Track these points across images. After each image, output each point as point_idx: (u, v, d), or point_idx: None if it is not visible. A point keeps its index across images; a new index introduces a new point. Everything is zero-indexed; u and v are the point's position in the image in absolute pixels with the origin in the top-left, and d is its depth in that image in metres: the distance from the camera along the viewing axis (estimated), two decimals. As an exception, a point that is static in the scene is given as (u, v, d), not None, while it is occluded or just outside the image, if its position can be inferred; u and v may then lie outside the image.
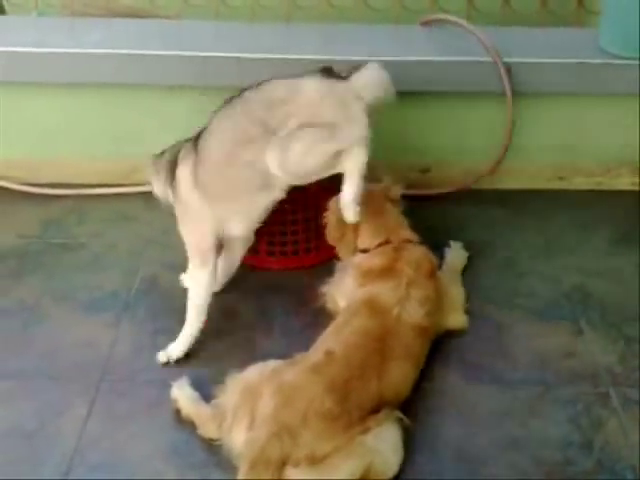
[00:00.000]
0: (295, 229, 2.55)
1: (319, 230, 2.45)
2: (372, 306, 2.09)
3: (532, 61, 2.81)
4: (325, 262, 2.51)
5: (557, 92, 2.87)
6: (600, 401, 2.10)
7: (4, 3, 3.53)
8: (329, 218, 2.35)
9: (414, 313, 2.09)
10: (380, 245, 2.26)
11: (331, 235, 2.36)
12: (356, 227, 2.30)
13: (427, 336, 2.14)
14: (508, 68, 2.73)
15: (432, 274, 2.24)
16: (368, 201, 2.28)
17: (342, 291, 2.31)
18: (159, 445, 1.95)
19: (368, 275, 2.21)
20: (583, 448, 1.97)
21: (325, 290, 2.38)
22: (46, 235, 2.71)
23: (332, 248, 2.43)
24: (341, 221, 2.25)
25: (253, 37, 2.97)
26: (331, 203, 2.35)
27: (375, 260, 2.23)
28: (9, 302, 2.41)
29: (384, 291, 2.12)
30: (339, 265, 2.45)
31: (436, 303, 2.19)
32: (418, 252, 2.25)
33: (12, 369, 2.16)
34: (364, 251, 2.31)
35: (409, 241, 2.28)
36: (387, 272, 2.18)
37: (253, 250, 2.52)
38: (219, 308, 2.40)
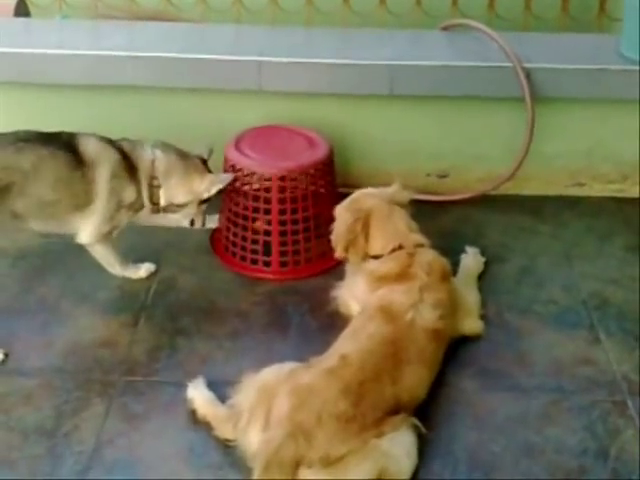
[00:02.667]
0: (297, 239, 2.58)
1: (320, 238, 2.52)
2: (386, 311, 2.10)
3: (552, 67, 2.80)
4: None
5: (577, 98, 2.86)
6: (616, 409, 2.09)
7: (29, 6, 3.58)
8: (337, 226, 2.35)
9: (428, 317, 2.09)
10: (393, 251, 2.26)
11: (340, 243, 2.33)
12: (366, 233, 2.29)
13: (442, 339, 2.14)
14: (528, 73, 2.73)
15: (445, 277, 2.24)
16: (377, 206, 2.30)
17: (355, 295, 2.32)
18: (175, 445, 1.97)
19: (382, 281, 2.22)
20: (599, 456, 1.96)
21: (336, 294, 2.40)
22: (67, 236, 2.74)
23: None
24: (351, 228, 2.27)
25: (274, 41, 2.99)
26: (338, 210, 2.36)
27: (389, 265, 2.23)
28: (30, 301, 2.44)
29: (398, 296, 2.13)
30: (348, 268, 2.47)
31: (450, 306, 2.19)
32: (430, 256, 2.25)
33: (32, 367, 2.19)
34: (376, 257, 2.29)
35: (421, 245, 2.28)
36: (401, 277, 2.19)
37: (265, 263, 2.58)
38: (235, 310, 2.42)
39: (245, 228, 2.59)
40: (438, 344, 2.12)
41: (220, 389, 2.04)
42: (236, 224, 2.61)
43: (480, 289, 2.46)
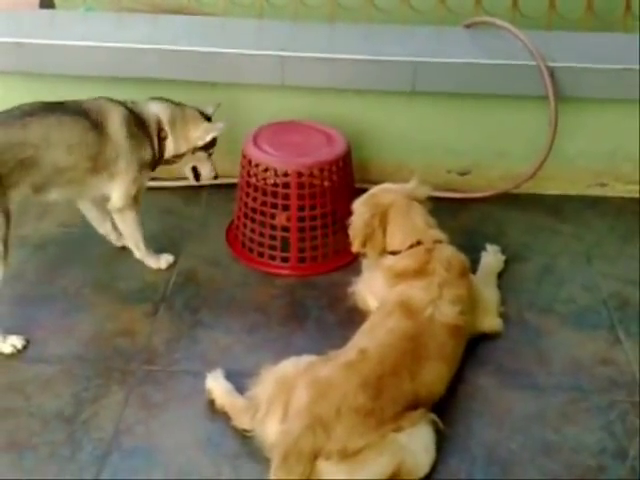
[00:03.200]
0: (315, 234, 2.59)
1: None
2: (406, 307, 2.09)
3: (576, 66, 2.78)
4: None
5: (600, 98, 2.84)
6: (635, 410, 2.08)
7: (54, -2, 3.61)
8: (354, 221, 2.34)
9: (447, 312, 2.09)
10: (412, 247, 2.25)
11: (357, 237, 2.32)
12: (384, 228, 2.29)
13: (461, 335, 2.13)
14: (552, 72, 2.72)
15: (464, 273, 2.23)
16: (396, 202, 2.29)
17: (373, 291, 2.32)
18: (193, 434, 1.99)
19: (401, 276, 2.21)
20: (616, 456, 1.95)
21: (354, 289, 2.40)
22: (88, 225, 2.76)
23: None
24: (368, 222, 2.27)
25: (296, 36, 3.00)
26: (355, 205, 2.35)
27: (407, 261, 2.23)
28: (52, 289, 2.47)
29: (417, 292, 2.13)
30: (365, 263, 2.47)
31: (469, 302, 2.19)
32: (449, 252, 2.24)
33: (53, 355, 2.22)
34: (394, 253, 2.29)
35: (439, 241, 2.27)
36: (420, 273, 2.18)
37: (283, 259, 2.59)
38: (254, 304, 2.43)
39: (263, 224, 2.60)
40: (457, 340, 2.11)
41: (238, 380, 2.05)
42: (253, 220, 2.62)
43: (500, 287, 2.45)
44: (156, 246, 2.65)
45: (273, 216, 2.59)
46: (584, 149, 2.95)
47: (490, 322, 2.30)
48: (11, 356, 2.20)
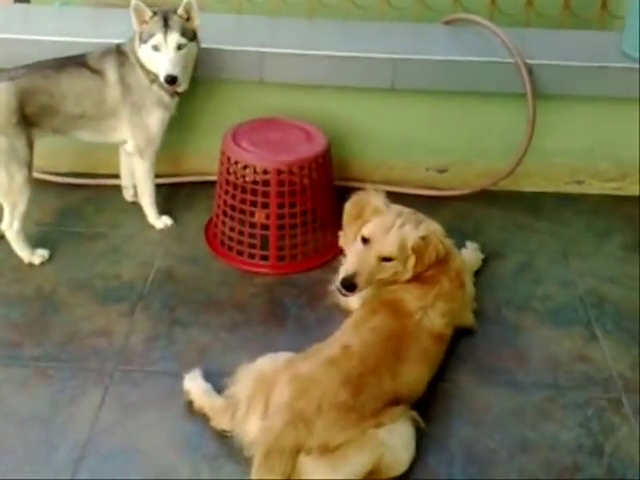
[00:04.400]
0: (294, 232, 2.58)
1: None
2: (394, 307, 2.10)
3: (554, 63, 2.79)
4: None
5: (578, 95, 2.85)
6: (612, 407, 2.10)
7: (28, -8, 3.55)
8: (345, 219, 2.32)
9: (435, 322, 2.10)
10: None
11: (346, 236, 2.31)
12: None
13: (444, 342, 2.15)
14: (530, 69, 2.73)
15: (462, 284, 2.23)
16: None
17: None
18: (171, 436, 1.97)
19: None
20: (593, 453, 1.97)
21: (334, 287, 2.38)
22: (64, 224, 2.74)
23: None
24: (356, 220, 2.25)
25: (275, 32, 2.98)
26: (347, 205, 2.33)
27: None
28: (27, 289, 2.43)
29: (410, 297, 2.12)
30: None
31: (459, 314, 2.20)
32: (458, 264, 2.22)
33: (28, 355, 2.19)
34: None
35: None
36: (423, 279, 2.16)
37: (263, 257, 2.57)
38: (233, 302, 2.42)
39: (242, 222, 2.58)
40: (440, 347, 2.13)
41: (217, 380, 2.04)
42: (232, 218, 2.60)
43: (478, 285, 2.46)
44: (131, 245, 2.63)
45: (252, 214, 2.57)
46: (561, 146, 2.97)
47: (465, 317, 2.30)
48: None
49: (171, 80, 2.43)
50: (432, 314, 2.10)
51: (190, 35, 2.47)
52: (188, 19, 2.48)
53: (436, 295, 2.13)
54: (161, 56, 2.44)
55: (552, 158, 2.98)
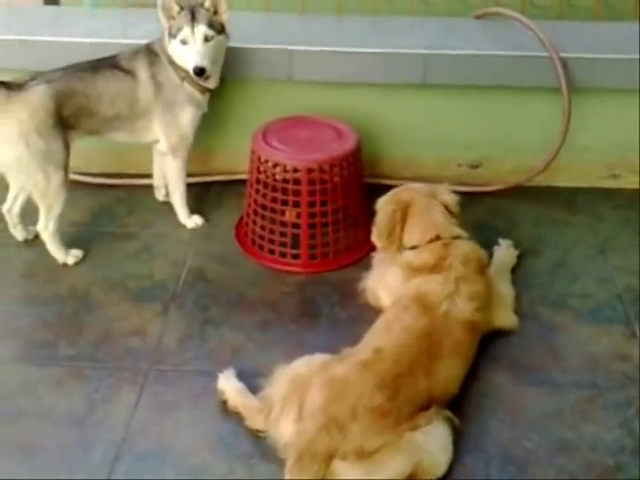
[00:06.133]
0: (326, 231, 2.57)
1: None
2: (422, 302, 2.07)
3: (588, 56, 2.74)
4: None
5: (613, 88, 2.80)
6: (652, 406, 2.06)
7: (59, -7, 3.58)
8: (378, 217, 2.33)
9: (464, 308, 2.07)
10: (431, 241, 2.23)
11: (381, 233, 2.31)
12: (403, 223, 2.28)
13: (476, 332, 2.11)
14: (565, 63, 2.68)
15: (481, 269, 2.21)
16: (416, 199, 2.28)
17: (386, 287, 2.30)
18: (205, 435, 1.97)
19: (419, 271, 2.19)
20: (635, 454, 1.93)
21: (365, 285, 2.38)
22: (97, 224, 2.75)
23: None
24: (391, 217, 2.26)
25: (304, 29, 2.96)
26: (379, 203, 2.34)
27: (425, 256, 2.21)
28: (61, 289, 2.45)
29: (433, 286, 2.11)
30: (376, 259, 2.46)
31: (486, 298, 2.16)
32: (467, 247, 2.22)
33: (63, 355, 2.20)
34: (413, 248, 2.27)
35: (458, 237, 2.25)
36: (437, 268, 2.16)
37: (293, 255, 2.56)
38: (265, 301, 2.41)
39: (273, 221, 2.57)
40: (472, 337, 2.09)
41: (250, 379, 2.03)
42: (263, 216, 2.59)
43: (514, 282, 2.42)
44: (163, 244, 2.63)
45: (283, 212, 2.56)
46: (597, 140, 2.91)
47: (505, 318, 2.28)
48: (21, 357, 2.19)
49: (199, 72, 2.43)
50: (459, 300, 2.07)
51: (218, 28, 2.47)
52: (216, 12, 2.48)
53: (456, 279, 2.11)
54: (189, 49, 2.45)
55: (587, 152, 2.93)
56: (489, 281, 2.23)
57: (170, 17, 2.47)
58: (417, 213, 2.27)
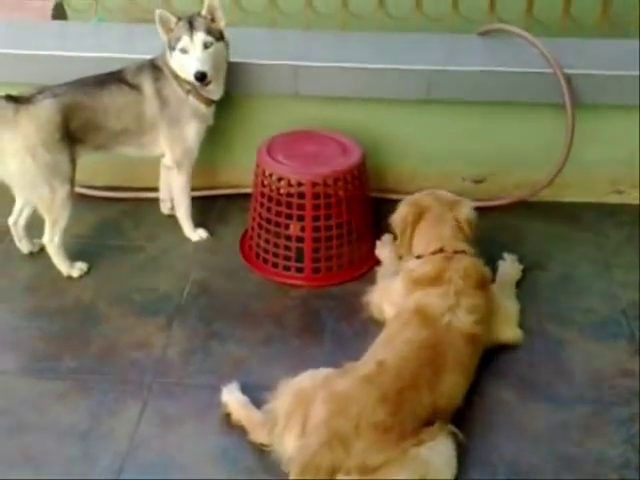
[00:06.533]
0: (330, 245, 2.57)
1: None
2: (422, 315, 2.07)
3: (593, 72, 2.75)
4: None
5: (617, 105, 2.80)
6: (658, 423, 2.04)
7: (66, 9, 3.61)
8: (394, 217, 2.37)
9: (464, 320, 2.07)
10: (434, 253, 2.24)
11: (394, 230, 2.37)
12: (414, 228, 2.30)
13: (478, 345, 2.10)
14: (568, 79, 2.69)
15: (481, 284, 2.20)
16: (431, 207, 2.30)
17: (390, 299, 2.30)
18: (209, 449, 1.96)
19: (418, 283, 2.19)
20: (640, 470, 1.92)
21: (369, 299, 2.38)
22: (102, 237, 2.76)
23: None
24: (403, 218, 2.31)
25: (309, 45, 2.98)
26: (403, 201, 2.38)
27: (426, 267, 2.21)
28: (65, 302, 2.45)
29: (433, 299, 2.11)
30: (380, 272, 2.48)
31: (486, 312, 2.16)
32: (467, 262, 2.21)
33: (67, 368, 2.20)
34: (418, 257, 2.29)
35: (462, 252, 2.25)
36: (436, 280, 2.16)
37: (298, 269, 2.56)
38: (269, 314, 2.41)
39: (277, 234, 2.58)
40: (474, 349, 2.08)
41: (254, 393, 2.02)
42: (268, 230, 2.59)
43: (519, 297, 2.42)
44: (167, 258, 2.64)
45: (287, 226, 2.57)
46: (601, 156, 2.91)
47: (510, 333, 2.27)
48: (25, 370, 2.18)
49: (201, 77, 2.44)
50: (459, 312, 2.07)
51: (216, 35, 2.50)
52: (213, 20, 2.50)
53: (456, 292, 2.11)
54: (189, 57, 2.47)
55: (592, 168, 2.93)
56: (491, 295, 2.23)
57: (169, 30, 2.49)
58: (428, 221, 2.29)
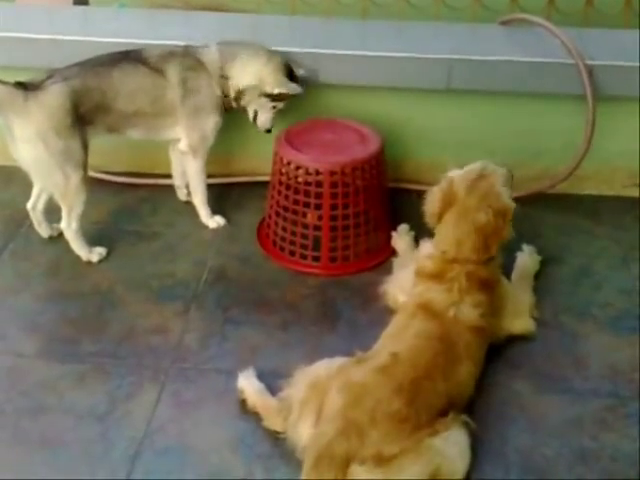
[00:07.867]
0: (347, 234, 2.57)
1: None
2: (427, 309, 2.07)
3: (615, 64, 2.73)
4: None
5: (639, 97, 2.77)
6: (675, 417, 2.04)
7: (87, -6, 3.62)
8: (431, 191, 2.25)
9: (469, 314, 2.06)
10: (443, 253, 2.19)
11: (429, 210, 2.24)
12: (441, 215, 2.20)
13: (484, 337, 2.10)
14: (590, 70, 2.66)
15: (486, 285, 2.14)
16: (461, 201, 2.19)
17: (402, 286, 2.30)
18: (225, 434, 1.98)
19: (424, 275, 2.18)
20: (657, 465, 1.91)
21: (385, 289, 2.38)
22: (120, 223, 2.78)
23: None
24: (432, 203, 2.22)
25: (330, 33, 2.97)
26: (445, 178, 2.27)
27: (434, 260, 2.18)
28: (84, 286, 2.47)
29: (437, 295, 2.10)
30: (396, 262, 2.48)
31: (491, 307, 2.13)
32: (471, 267, 2.14)
33: (86, 352, 2.22)
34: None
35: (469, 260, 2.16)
36: (440, 277, 2.14)
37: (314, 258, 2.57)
38: (285, 302, 2.42)
39: (294, 222, 2.58)
40: (481, 341, 2.08)
41: (270, 380, 2.04)
42: (285, 218, 2.60)
43: (536, 289, 2.41)
44: (185, 244, 2.65)
45: (305, 215, 2.57)
46: (621, 149, 2.89)
47: (522, 324, 2.26)
48: (44, 353, 2.21)
49: (268, 131, 2.70)
50: (464, 307, 2.06)
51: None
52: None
53: (459, 290, 2.09)
54: (261, 114, 2.67)
55: (611, 161, 2.91)
56: (499, 293, 2.19)
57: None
58: (453, 215, 2.18)
